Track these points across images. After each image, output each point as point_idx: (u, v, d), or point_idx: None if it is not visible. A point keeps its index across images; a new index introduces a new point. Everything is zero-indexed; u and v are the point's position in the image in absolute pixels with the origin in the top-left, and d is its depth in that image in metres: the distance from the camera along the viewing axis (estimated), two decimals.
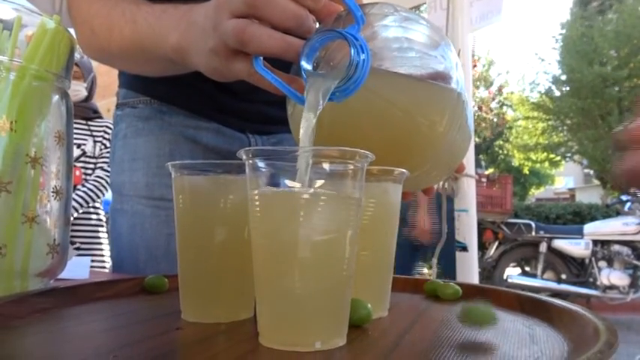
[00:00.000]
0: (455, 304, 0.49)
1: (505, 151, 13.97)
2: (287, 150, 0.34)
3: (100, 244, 2.07)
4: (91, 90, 2.14)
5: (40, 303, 0.44)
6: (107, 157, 2.06)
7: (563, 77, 10.78)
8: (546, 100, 11.37)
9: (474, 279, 1.60)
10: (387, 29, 0.47)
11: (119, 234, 0.83)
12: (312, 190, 0.33)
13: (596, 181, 12.96)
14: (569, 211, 5.89)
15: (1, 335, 0.36)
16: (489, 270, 4.86)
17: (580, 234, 4.67)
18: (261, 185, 0.34)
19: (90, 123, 2.11)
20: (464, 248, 1.57)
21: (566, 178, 20.36)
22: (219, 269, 0.42)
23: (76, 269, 0.70)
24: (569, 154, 12.00)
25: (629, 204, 4.69)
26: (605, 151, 9.49)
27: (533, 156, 13.54)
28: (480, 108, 12.63)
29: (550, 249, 4.74)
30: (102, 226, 2.10)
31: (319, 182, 0.33)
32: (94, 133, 2.11)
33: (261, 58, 0.44)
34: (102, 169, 2.08)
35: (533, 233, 4.76)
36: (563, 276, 4.69)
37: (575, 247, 4.65)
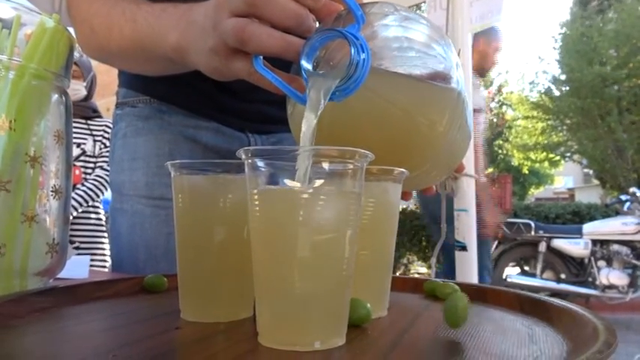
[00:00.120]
0: None
1: (504, 151, 13.97)
2: (286, 149, 0.34)
3: (100, 243, 2.07)
4: (90, 89, 2.14)
5: (39, 302, 0.44)
6: (107, 157, 2.05)
7: (563, 77, 10.75)
8: (546, 100, 11.35)
9: (474, 278, 1.60)
10: (387, 29, 0.47)
11: (119, 233, 0.83)
12: (311, 189, 0.33)
13: (596, 181, 12.96)
14: (569, 210, 5.87)
15: (1, 334, 0.36)
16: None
17: (579, 234, 4.67)
18: (261, 185, 0.34)
19: (89, 122, 2.11)
20: (463, 248, 1.57)
21: (566, 178, 20.37)
22: (218, 269, 0.42)
23: (76, 268, 0.70)
24: (568, 154, 11.98)
25: (628, 204, 4.69)
26: (605, 151, 9.48)
27: (532, 156, 13.53)
28: None
29: (549, 248, 4.74)
30: (101, 225, 2.10)
31: (319, 182, 0.33)
32: (94, 133, 2.11)
33: (261, 57, 0.44)
34: (101, 168, 2.08)
35: (533, 233, 4.76)
36: (563, 275, 4.69)
37: (574, 246, 4.65)
